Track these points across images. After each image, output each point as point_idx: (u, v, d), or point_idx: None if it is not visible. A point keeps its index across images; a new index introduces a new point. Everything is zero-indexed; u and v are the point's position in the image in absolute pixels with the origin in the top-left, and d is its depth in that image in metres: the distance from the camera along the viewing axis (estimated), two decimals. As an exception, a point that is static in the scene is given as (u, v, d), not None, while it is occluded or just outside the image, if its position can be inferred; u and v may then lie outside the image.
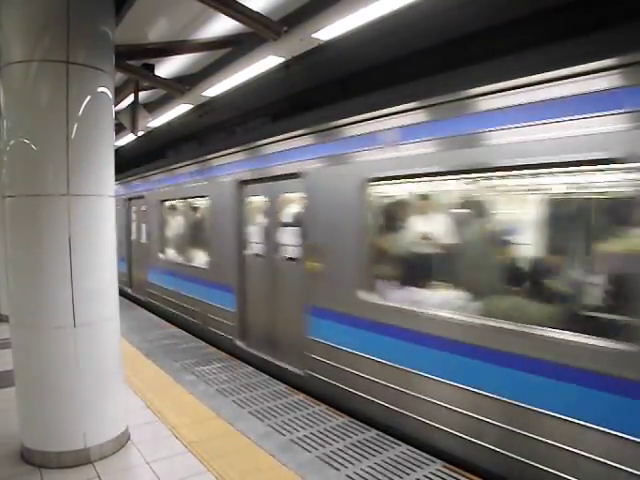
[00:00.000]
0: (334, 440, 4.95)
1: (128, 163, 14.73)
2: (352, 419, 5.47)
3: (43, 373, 4.24)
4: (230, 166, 8.26)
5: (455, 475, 4.28)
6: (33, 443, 4.32)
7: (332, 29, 4.90)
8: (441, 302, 4.96)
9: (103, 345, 4.51)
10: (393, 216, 5.91)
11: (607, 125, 3.49)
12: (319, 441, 4.92)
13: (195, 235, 10.50)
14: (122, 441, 4.67)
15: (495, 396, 4.22)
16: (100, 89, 4.42)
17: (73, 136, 4.20)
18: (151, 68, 7.24)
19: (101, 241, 4.49)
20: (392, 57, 8.09)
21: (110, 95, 4.54)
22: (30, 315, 4.25)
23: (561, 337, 3.79)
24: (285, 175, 6.83)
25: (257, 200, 7.90)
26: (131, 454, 4.55)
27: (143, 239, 13.03)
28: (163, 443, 4.75)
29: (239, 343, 8.05)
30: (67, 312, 4.21)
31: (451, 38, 7.26)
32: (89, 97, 4.31)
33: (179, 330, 9.85)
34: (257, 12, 5.06)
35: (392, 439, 5.00)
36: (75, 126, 4.21)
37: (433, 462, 4.52)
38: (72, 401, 4.30)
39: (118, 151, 11.29)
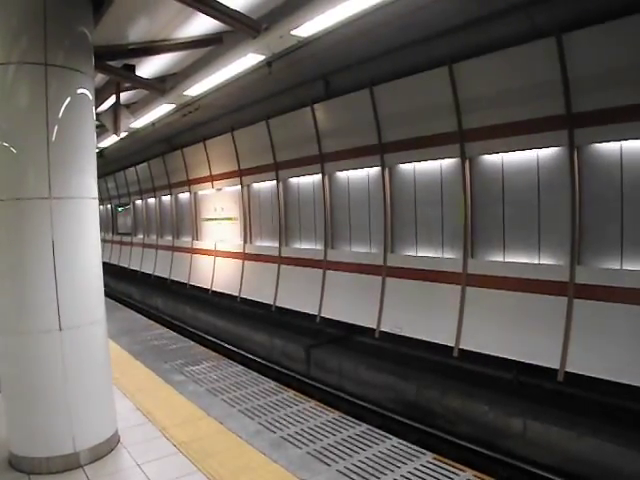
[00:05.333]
0: (324, 436, 4.97)
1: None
2: (342, 415, 5.50)
3: (30, 378, 4.21)
4: None
5: (445, 466, 4.32)
6: (21, 449, 4.28)
7: (311, 26, 4.90)
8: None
9: (90, 348, 4.49)
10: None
11: None
12: (310, 437, 4.94)
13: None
14: (112, 444, 4.65)
15: None
16: (80, 91, 4.39)
17: (54, 139, 4.16)
18: (132, 68, 7.18)
19: (85, 243, 4.46)
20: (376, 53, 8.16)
21: (90, 97, 4.51)
22: (15, 320, 4.21)
23: None
24: None
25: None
26: (121, 457, 4.53)
27: None
28: (153, 444, 4.74)
29: None
30: (52, 316, 4.18)
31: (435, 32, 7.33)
32: (69, 99, 4.28)
33: (167, 330, 9.82)
34: (236, 10, 5.04)
35: (382, 433, 5.04)
36: (55, 128, 4.18)
37: (423, 454, 4.56)
38: (60, 405, 4.27)
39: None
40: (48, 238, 4.15)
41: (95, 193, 4.59)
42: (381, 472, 4.26)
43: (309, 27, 4.94)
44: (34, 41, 4.07)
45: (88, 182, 4.49)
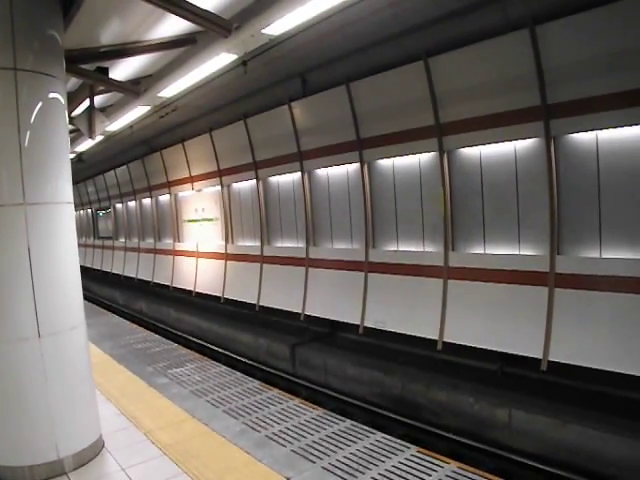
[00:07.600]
0: (309, 433, 4.99)
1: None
2: (327, 411, 5.52)
3: (10, 386, 4.17)
4: None
5: (429, 459, 4.35)
6: (3, 459, 4.23)
7: (282, 24, 4.90)
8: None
9: (71, 354, 4.45)
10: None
11: None
12: (294, 435, 4.95)
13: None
14: (96, 449, 4.62)
15: None
16: (52, 95, 4.34)
17: (26, 144, 4.12)
18: (105, 71, 7.10)
19: (62, 248, 4.42)
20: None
21: (63, 101, 4.46)
22: (-8, 328, 4.16)
23: None
24: None
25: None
26: (106, 461, 4.51)
27: None
28: (138, 448, 4.72)
29: None
30: (30, 323, 4.14)
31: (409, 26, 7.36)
32: (40, 104, 4.23)
33: (150, 333, 9.77)
34: (206, 10, 5.01)
35: (367, 428, 5.07)
36: (28, 134, 4.13)
37: (407, 448, 4.60)
38: (42, 412, 4.23)
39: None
40: (24, 244, 4.10)
41: (70, 198, 4.55)
42: (365, 467, 4.29)
43: (279, 25, 4.94)
44: (2, 45, 4.01)
45: (63, 187, 4.44)
